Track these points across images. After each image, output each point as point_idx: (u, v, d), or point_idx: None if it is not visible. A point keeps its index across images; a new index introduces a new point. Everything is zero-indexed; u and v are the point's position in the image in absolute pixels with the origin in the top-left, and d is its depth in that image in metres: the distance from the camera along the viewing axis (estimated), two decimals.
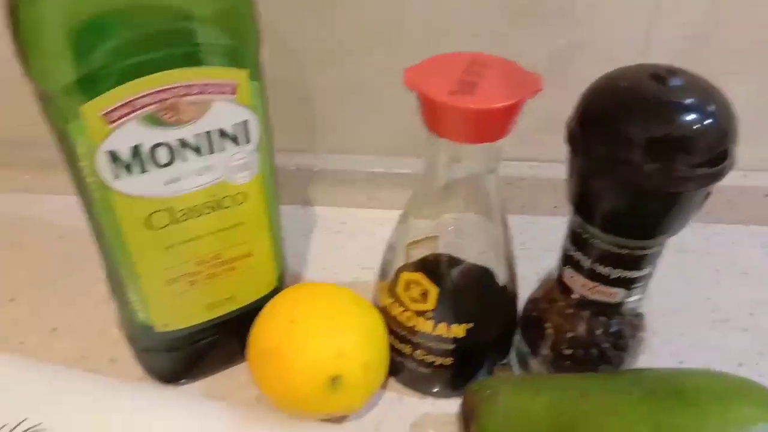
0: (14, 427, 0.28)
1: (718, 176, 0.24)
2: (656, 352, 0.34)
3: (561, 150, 0.26)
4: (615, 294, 0.28)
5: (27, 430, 0.28)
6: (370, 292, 0.34)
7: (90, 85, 0.22)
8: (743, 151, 0.25)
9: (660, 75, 0.23)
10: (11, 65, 0.23)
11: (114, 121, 0.23)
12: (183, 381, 0.33)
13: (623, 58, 0.39)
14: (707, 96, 0.24)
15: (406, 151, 0.44)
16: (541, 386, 0.27)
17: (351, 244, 0.43)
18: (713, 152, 0.23)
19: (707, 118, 0.23)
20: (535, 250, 0.39)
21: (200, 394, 0.33)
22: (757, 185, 0.43)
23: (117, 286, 0.29)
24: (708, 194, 0.25)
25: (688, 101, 0.23)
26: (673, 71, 0.24)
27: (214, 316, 0.31)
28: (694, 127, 0.23)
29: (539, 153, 0.42)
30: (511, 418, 0.26)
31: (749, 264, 0.42)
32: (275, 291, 0.33)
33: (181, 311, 0.30)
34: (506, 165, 0.30)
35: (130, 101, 0.23)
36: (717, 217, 0.44)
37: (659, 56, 0.38)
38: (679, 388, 0.25)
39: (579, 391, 0.26)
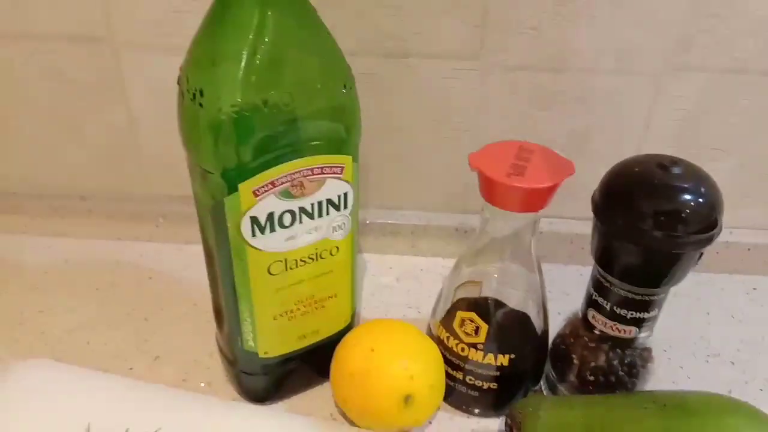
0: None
1: (710, 241, 0.31)
2: (660, 381, 0.42)
3: (573, 210, 0.33)
4: (630, 331, 0.35)
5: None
6: (417, 327, 0.41)
7: (244, 170, 0.30)
8: (728, 212, 0.33)
9: (664, 164, 0.31)
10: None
11: (259, 195, 0.30)
12: (269, 401, 0.40)
13: (629, 137, 0.48)
14: (700, 180, 0.32)
15: (442, 208, 0.51)
16: (575, 403, 0.34)
17: (397, 285, 0.51)
18: (705, 222, 0.31)
19: (700, 198, 0.31)
20: (555, 293, 0.47)
21: (284, 410, 0.40)
22: (741, 241, 0.51)
23: (232, 320, 0.36)
24: (701, 254, 0.33)
25: (686, 185, 0.31)
26: (674, 161, 0.32)
27: (303, 346, 0.38)
28: (691, 205, 0.31)
29: (556, 212, 0.50)
30: (552, 428, 0.33)
31: (736, 307, 0.49)
32: (349, 326, 0.40)
33: (279, 341, 0.37)
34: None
35: (273, 181, 0.30)
36: (708, 267, 0.52)
37: (657, 136, 0.47)
38: (684, 404, 0.32)
39: (606, 406, 0.33)
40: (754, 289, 0.51)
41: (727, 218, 0.50)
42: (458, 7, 0.42)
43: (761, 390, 0.43)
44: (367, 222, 0.52)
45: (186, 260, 0.50)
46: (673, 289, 0.48)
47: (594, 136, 0.47)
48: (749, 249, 0.51)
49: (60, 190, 0.53)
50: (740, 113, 0.46)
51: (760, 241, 0.51)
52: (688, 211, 0.31)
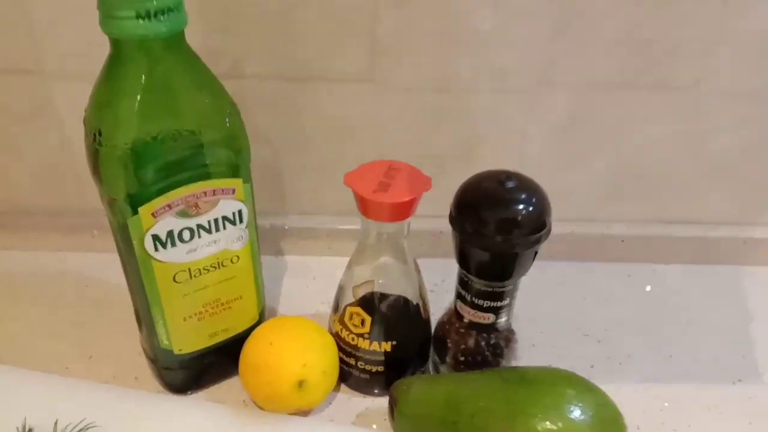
0: (77, 424, 0.40)
1: (540, 241, 0.38)
2: (534, 359, 0.48)
3: None
4: (489, 317, 0.42)
5: (87, 426, 0.40)
6: (326, 319, 0.47)
7: (144, 195, 0.35)
8: (603, 208, 0.39)
9: (501, 179, 0.38)
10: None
11: (157, 216, 0.36)
12: (190, 391, 0.45)
13: (510, 146, 0.54)
14: (530, 191, 0.38)
15: (354, 213, 0.57)
16: (440, 380, 0.41)
17: (314, 284, 0.56)
18: (535, 225, 0.37)
19: (530, 206, 0.37)
20: (450, 284, 0.53)
21: (204, 399, 0.45)
22: (615, 233, 0.58)
23: (147, 322, 0.41)
24: (536, 252, 0.39)
25: (519, 196, 0.37)
26: (510, 176, 0.38)
27: (214, 342, 0.44)
28: (522, 212, 0.37)
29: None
30: (419, 402, 0.39)
31: (610, 292, 0.56)
32: (258, 323, 0.45)
33: (192, 339, 0.43)
34: (434, 222, 0.43)
35: (169, 204, 0.36)
36: (588, 257, 0.59)
37: (534, 144, 0.53)
38: (524, 376, 0.38)
39: (463, 382, 0.39)
40: (629, 276, 0.58)
41: (602, 213, 0.58)
42: (352, 36, 0.48)
43: (620, 364, 0.50)
44: (286, 227, 0.58)
45: (119, 269, 0.55)
46: (555, 277, 0.55)
47: (480, 146, 0.53)
48: (623, 240, 0.58)
49: (2, 207, 0.57)
50: (604, 122, 0.52)
51: (632, 233, 0.58)
52: (520, 218, 0.37)
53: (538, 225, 0.38)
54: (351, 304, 0.44)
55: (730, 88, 0.50)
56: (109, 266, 0.55)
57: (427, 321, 0.46)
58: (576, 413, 0.36)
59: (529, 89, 0.51)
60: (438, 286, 0.54)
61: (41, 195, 0.57)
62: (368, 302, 0.44)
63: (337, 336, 0.45)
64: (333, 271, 0.57)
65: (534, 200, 0.38)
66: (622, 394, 0.46)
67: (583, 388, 0.38)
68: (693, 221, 0.58)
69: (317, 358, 0.42)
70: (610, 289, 0.57)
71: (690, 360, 0.50)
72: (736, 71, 0.49)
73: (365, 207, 0.39)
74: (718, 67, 0.49)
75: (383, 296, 0.44)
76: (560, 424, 0.35)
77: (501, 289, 0.40)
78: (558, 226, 0.57)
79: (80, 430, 0.40)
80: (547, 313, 0.54)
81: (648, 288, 0.57)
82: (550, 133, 0.53)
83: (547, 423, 0.35)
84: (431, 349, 0.46)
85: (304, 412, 0.44)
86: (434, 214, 0.43)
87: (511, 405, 0.37)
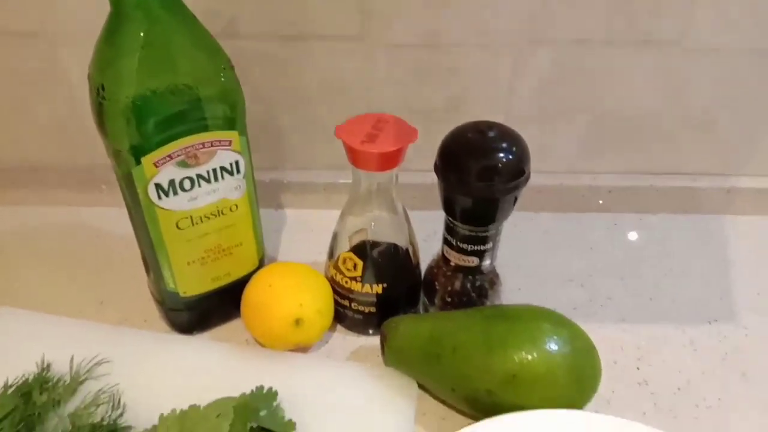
0: (91, 360, 0.43)
1: (519, 187, 0.40)
2: (518, 302, 0.51)
3: None
4: (473, 261, 0.44)
5: (99, 361, 0.43)
6: (323, 268, 0.50)
7: (146, 146, 0.37)
8: (590, 160, 0.41)
9: (482, 129, 0.40)
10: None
11: (159, 166, 0.38)
12: (196, 332, 0.49)
13: (496, 101, 0.56)
14: (510, 139, 0.40)
15: (349, 166, 0.60)
16: (425, 318, 0.44)
17: (311, 235, 0.59)
18: (514, 173, 0.40)
19: (510, 154, 0.40)
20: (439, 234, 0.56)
21: (208, 339, 0.49)
22: (602, 184, 0.60)
23: (154, 266, 0.44)
24: (516, 198, 0.41)
25: (499, 145, 0.40)
26: (491, 126, 0.40)
27: (217, 285, 0.47)
28: (502, 160, 0.39)
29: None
30: (406, 338, 0.43)
31: (595, 241, 0.59)
32: (258, 268, 0.48)
33: (196, 283, 0.46)
34: (427, 175, 0.45)
35: (170, 154, 0.38)
36: (575, 208, 0.61)
37: (520, 99, 0.55)
38: (503, 313, 0.41)
39: (447, 319, 0.42)
40: (615, 224, 0.61)
41: (589, 165, 0.60)
42: None
43: (601, 306, 0.53)
44: (285, 181, 0.61)
45: (127, 221, 0.58)
46: (543, 227, 0.57)
47: (467, 101, 0.55)
48: (610, 191, 0.61)
49: (13, 164, 0.60)
50: (588, 77, 0.54)
51: (619, 184, 0.60)
52: (500, 165, 0.39)
53: (516, 172, 0.40)
54: (345, 251, 0.47)
55: (710, 43, 0.51)
56: (117, 219, 0.59)
57: (417, 266, 0.49)
58: (551, 345, 0.39)
59: (515, 45, 0.52)
60: (430, 236, 0.56)
61: (49, 152, 0.59)
62: (361, 248, 0.46)
63: (332, 280, 0.48)
64: (330, 223, 0.60)
65: (513, 149, 0.40)
66: (601, 333, 0.49)
67: (558, 322, 0.41)
68: (677, 172, 0.60)
69: (313, 299, 0.45)
70: (596, 238, 0.59)
71: (669, 302, 0.53)
72: (716, 27, 0.50)
73: (355, 157, 0.41)
74: (698, 23, 0.50)
75: (375, 243, 0.47)
76: (535, 354, 0.39)
77: (484, 234, 0.43)
78: (546, 178, 0.60)
79: (94, 364, 0.43)
80: (533, 260, 0.56)
81: (632, 236, 0.60)
82: (536, 89, 0.55)
83: (523, 353, 0.38)
84: (421, 293, 0.49)
85: (303, 349, 0.47)
86: (427, 168, 0.46)
87: (490, 338, 0.40)
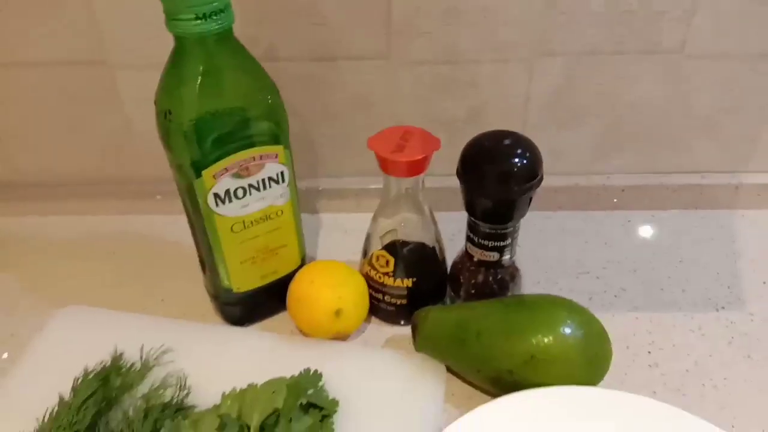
0: (159, 348, 0.49)
1: (533, 189, 0.45)
2: (538, 293, 0.56)
3: None
4: (493, 256, 0.49)
5: (165, 350, 0.49)
6: (357, 266, 0.55)
7: (205, 161, 0.43)
8: (603, 161, 0.46)
9: (498, 137, 0.45)
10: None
11: (217, 178, 0.44)
12: (247, 324, 0.54)
13: (514, 110, 0.61)
14: (524, 146, 0.45)
15: (378, 173, 0.65)
16: (452, 308, 0.49)
17: (345, 236, 0.64)
18: (529, 177, 0.45)
19: (524, 159, 0.44)
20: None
21: (259, 330, 0.54)
22: (615, 184, 0.64)
23: (211, 266, 0.50)
24: (531, 198, 0.46)
25: (514, 151, 0.45)
26: (505, 135, 0.45)
27: (265, 282, 0.53)
28: (517, 165, 0.44)
29: None
30: (435, 325, 0.48)
31: (610, 237, 0.63)
32: (300, 266, 0.54)
33: (247, 279, 0.51)
34: (452, 179, 0.49)
35: (226, 167, 0.44)
36: (590, 206, 0.65)
37: (536, 107, 0.60)
38: (522, 301, 0.46)
39: (471, 308, 0.47)
40: (629, 221, 0.65)
41: (603, 166, 0.65)
42: (369, 18, 0.55)
43: (615, 296, 0.57)
44: (320, 188, 0.66)
45: (180, 227, 0.64)
46: (559, 226, 0.62)
47: (487, 111, 0.60)
48: (623, 190, 0.65)
49: (75, 179, 0.67)
50: (598, 84, 0.59)
51: (631, 183, 0.64)
52: (515, 170, 0.44)
53: (531, 175, 0.45)
54: (377, 249, 0.52)
55: (710, 49, 0.55)
56: (170, 226, 0.65)
57: (443, 261, 0.54)
58: (565, 329, 0.44)
59: (527, 58, 0.57)
60: (455, 235, 0.61)
61: (107, 168, 0.66)
62: (392, 247, 0.52)
63: (366, 276, 0.53)
64: (362, 224, 0.65)
65: (527, 155, 0.45)
66: (615, 321, 0.54)
67: (573, 309, 0.46)
68: (686, 171, 0.64)
69: (350, 292, 0.50)
70: (610, 234, 0.64)
71: (679, 292, 0.57)
72: (715, 34, 0.55)
73: (386, 165, 0.47)
74: (698, 31, 0.54)
75: (405, 242, 0.52)
76: (551, 338, 0.43)
77: (503, 231, 0.48)
78: (563, 179, 0.65)
79: (161, 352, 0.49)
80: (551, 256, 0.61)
81: (644, 231, 0.64)
82: (549, 97, 0.59)
83: (540, 336, 0.43)
84: (448, 286, 0.54)
85: (342, 338, 0.52)
86: (451, 173, 0.51)
87: (510, 324, 0.45)
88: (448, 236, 0.55)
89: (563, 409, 0.42)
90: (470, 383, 0.49)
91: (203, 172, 0.44)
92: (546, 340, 0.43)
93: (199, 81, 0.41)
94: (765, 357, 0.51)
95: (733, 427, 0.46)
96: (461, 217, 0.50)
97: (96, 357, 0.49)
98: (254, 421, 0.40)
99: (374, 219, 0.53)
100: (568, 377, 0.43)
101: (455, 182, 0.47)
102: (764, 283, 0.57)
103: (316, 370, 0.46)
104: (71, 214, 0.68)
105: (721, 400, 0.48)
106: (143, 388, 0.47)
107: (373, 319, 0.55)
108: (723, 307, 0.55)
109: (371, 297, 0.53)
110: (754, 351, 0.51)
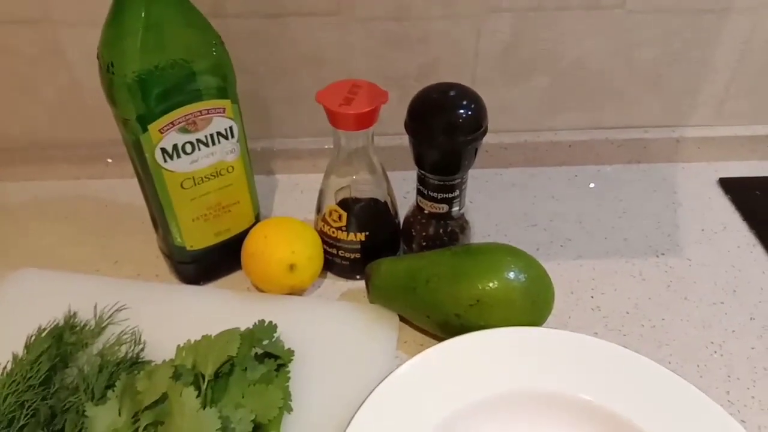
0: (111, 307, 0.50)
1: (478, 139, 0.46)
2: None
3: None
4: (443, 208, 0.51)
5: (119, 308, 0.50)
6: (312, 223, 0.56)
7: (151, 115, 0.43)
8: (551, 117, 0.48)
9: (444, 89, 0.46)
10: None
11: (163, 132, 0.44)
12: (202, 282, 0.55)
13: (464, 65, 0.62)
14: (470, 99, 0.46)
15: (331, 133, 0.65)
16: (403, 258, 0.50)
17: (300, 196, 0.65)
18: (473, 128, 0.46)
19: (469, 111, 0.45)
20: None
21: (214, 287, 0.55)
22: (563, 139, 0.66)
23: (163, 224, 0.50)
24: (477, 149, 0.47)
25: (460, 102, 0.45)
26: (452, 86, 0.46)
27: (219, 240, 0.53)
28: (462, 116, 0.45)
29: None
30: (387, 275, 0.49)
31: (557, 190, 0.65)
32: (254, 224, 0.54)
33: (200, 237, 0.52)
34: (401, 138, 0.50)
35: (172, 121, 0.44)
36: (539, 162, 0.67)
37: (485, 62, 0.61)
38: (469, 249, 0.48)
39: (420, 258, 0.49)
40: (576, 176, 0.67)
41: (551, 122, 0.66)
42: None
43: (561, 246, 0.59)
44: (275, 149, 0.66)
45: (131, 190, 0.63)
46: (509, 182, 0.63)
47: (437, 68, 0.61)
48: (570, 146, 0.67)
49: (23, 143, 0.65)
50: (544, 41, 0.60)
51: (578, 139, 0.66)
52: (460, 121, 0.45)
53: (475, 126, 0.46)
54: (331, 205, 0.53)
55: (652, 4, 0.57)
56: (121, 189, 0.65)
57: (395, 216, 0.55)
58: (509, 274, 0.45)
59: (476, 14, 0.58)
60: (409, 193, 0.63)
61: (56, 131, 0.65)
62: (344, 202, 0.52)
63: (320, 232, 0.54)
64: (318, 185, 0.66)
65: (473, 106, 0.46)
66: (560, 269, 0.56)
67: (515, 255, 0.47)
68: (630, 126, 0.66)
69: (303, 246, 0.51)
70: (558, 188, 0.66)
71: (621, 241, 0.59)
72: None
73: (334, 119, 0.47)
74: None
75: (357, 199, 0.53)
76: (495, 282, 0.45)
77: (451, 183, 0.49)
78: (512, 137, 0.66)
79: (115, 311, 0.49)
80: (501, 210, 0.63)
81: (591, 185, 0.66)
82: (498, 53, 0.60)
83: (485, 281, 0.45)
84: (401, 241, 0.56)
85: (297, 293, 0.53)
86: (404, 131, 0.51)
87: (457, 270, 0.46)
88: (402, 194, 0.56)
89: (508, 349, 0.44)
90: (422, 331, 0.50)
91: (149, 127, 0.43)
92: (491, 284, 0.45)
93: (141, 33, 0.41)
94: (701, 298, 0.54)
95: (669, 363, 0.49)
96: (415, 177, 0.51)
97: (50, 318, 0.49)
98: (209, 370, 0.41)
99: (326, 176, 0.53)
100: (513, 319, 0.45)
101: (408, 141, 0.48)
102: (702, 230, 0.60)
103: (270, 322, 0.46)
104: (18, 179, 0.67)
105: (659, 339, 0.50)
106: (98, 346, 0.47)
107: (329, 274, 0.56)
108: (662, 254, 0.58)
109: (326, 252, 0.54)
110: (691, 293, 0.54)
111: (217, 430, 0.37)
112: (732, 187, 0.64)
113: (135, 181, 0.50)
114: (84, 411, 0.40)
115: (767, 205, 0.63)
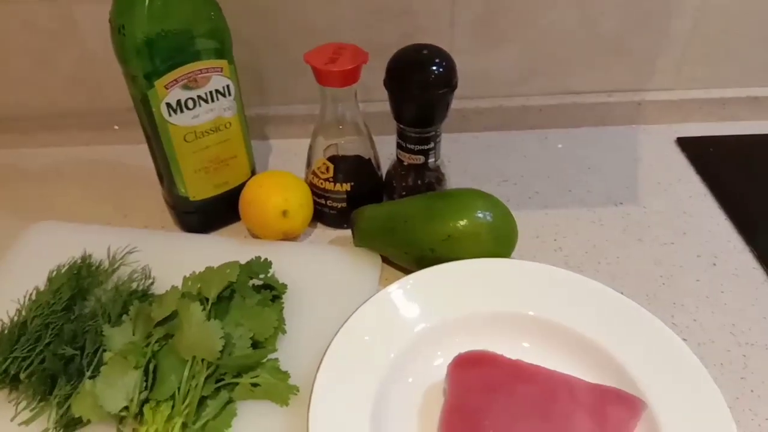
0: (123, 248, 0.55)
1: (447, 95, 0.52)
2: None
3: None
4: (420, 159, 0.56)
5: (130, 250, 0.55)
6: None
7: (158, 72, 0.49)
8: (521, 84, 0.55)
9: (419, 49, 0.51)
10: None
11: (168, 88, 0.50)
12: (203, 232, 0.61)
13: (442, 34, 0.67)
14: (441, 58, 0.51)
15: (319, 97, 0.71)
16: (385, 204, 0.56)
17: (294, 158, 0.70)
18: (444, 83, 0.51)
19: (440, 69, 0.51)
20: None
21: (215, 236, 0.61)
22: (533, 104, 0.72)
23: (167, 175, 0.56)
24: (449, 103, 0.53)
25: (433, 61, 0.51)
26: (425, 47, 0.52)
27: (219, 192, 0.59)
28: (435, 73, 0.51)
29: None
30: (370, 219, 0.55)
31: (528, 151, 0.71)
32: (250, 177, 0.60)
33: (202, 188, 0.57)
34: (383, 104, 0.56)
35: (176, 79, 0.50)
36: (511, 126, 0.73)
37: (461, 31, 0.66)
38: (443, 193, 0.54)
39: (401, 202, 0.55)
40: (546, 138, 0.73)
41: (521, 88, 0.71)
42: None
43: (530, 198, 0.65)
44: (270, 114, 0.72)
45: (139, 154, 0.69)
46: (485, 143, 0.69)
47: (417, 35, 0.66)
48: (541, 110, 0.72)
49: (42, 113, 0.71)
50: (514, 10, 0.65)
51: (548, 103, 0.72)
52: (433, 77, 0.51)
53: (446, 81, 0.51)
54: (319, 158, 0.59)
55: None
56: (129, 153, 0.71)
57: (378, 169, 0.61)
58: (478, 213, 0.51)
59: None
60: (392, 155, 0.68)
61: (69, 100, 0.70)
62: (332, 157, 0.58)
63: (310, 184, 0.60)
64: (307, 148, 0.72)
65: (444, 63, 0.51)
66: (528, 217, 0.62)
67: (482, 197, 0.53)
68: (595, 91, 0.72)
69: (295, 196, 0.57)
70: (529, 149, 0.71)
71: (585, 192, 0.65)
72: None
73: (320, 76, 0.53)
74: None
75: (344, 156, 0.59)
76: (466, 221, 0.51)
77: (426, 135, 0.55)
78: (487, 102, 0.72)
79: (126, 252, 0.55)
80: (476, 168, 0.68)
81: (560, 146, 0.72)
82: (472, 23, 0.66)
83: (455, 219, 0.51)
84: (384, 194, 0.61)
85: (291, 238, 0.59)
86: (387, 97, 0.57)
87: (431, 210, 0.52)
88: (386, 156, 0.62)
89: (475, 278, 0.50)
90: (401, 269, 0.56)
91: (155, 83, 0.49)
92: (461, 222, 0.51)
93: (147, 1, 0.46)
94: (653, 239, 0.60)
95: (622, 293, 0.54)
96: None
97: (67, 261, 0.54)
98: (212, 293, 0.47)
99: (314, 134, 0.59)
100: (480, 252, 0.51)
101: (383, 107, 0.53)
102: (659, 183, 0.66)
103: (266, 258, 0.52)
104: (41, 146, 0.72)
105: (613, 273, 0.56)
106: (112, 283, 0.53)
107: (319, 224, 0.62)
108: (621, 203, 0.64)
109: (315, 203, 0.60)
110: (645, 235, 0.60)
111: (220, 338, 0.43)
112: (688, 145, 0.70)
113: (141, 146, 0.56)
114: (102, 332, 0.46)
115: (720, 160, 0.68)
